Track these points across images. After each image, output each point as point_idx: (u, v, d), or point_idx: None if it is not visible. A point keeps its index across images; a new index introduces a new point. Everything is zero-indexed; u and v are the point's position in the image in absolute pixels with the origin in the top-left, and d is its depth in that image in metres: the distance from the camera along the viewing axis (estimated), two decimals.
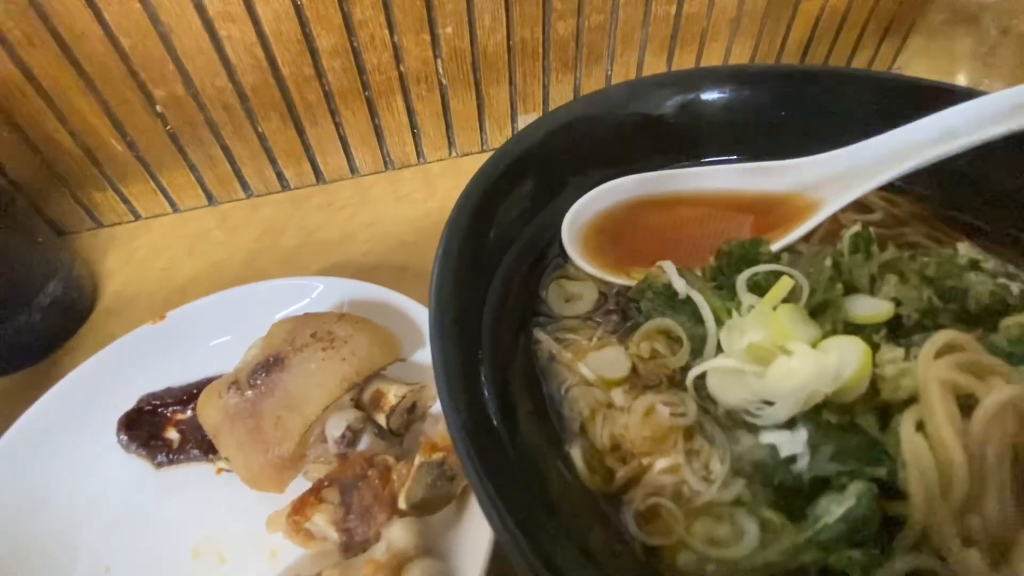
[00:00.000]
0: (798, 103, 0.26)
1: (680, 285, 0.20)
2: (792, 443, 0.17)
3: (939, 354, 0.17)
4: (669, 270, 0.21)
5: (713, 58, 0.49)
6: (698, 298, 0.20)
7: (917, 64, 0.47)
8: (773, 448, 0.17)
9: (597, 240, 0.24)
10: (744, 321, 0.19)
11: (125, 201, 0.44)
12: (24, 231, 0.34)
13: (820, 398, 0.17)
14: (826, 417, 0.17)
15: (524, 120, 0.48)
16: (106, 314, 0.37)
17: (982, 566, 0.16)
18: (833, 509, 0.16)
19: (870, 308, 0.19)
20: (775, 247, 0.23)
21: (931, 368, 0.16)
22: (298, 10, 0.37)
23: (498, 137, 0.49)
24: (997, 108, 0.22)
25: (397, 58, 0.41)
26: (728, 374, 0.18)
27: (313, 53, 0.39)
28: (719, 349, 0.19)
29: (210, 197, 0.45)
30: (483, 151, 0.49)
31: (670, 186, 0.26)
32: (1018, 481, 0.16)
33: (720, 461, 0.18)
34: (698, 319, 0.20)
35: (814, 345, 0.18)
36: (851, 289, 0.20)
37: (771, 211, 0.25)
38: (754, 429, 0.18)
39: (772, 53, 0.51)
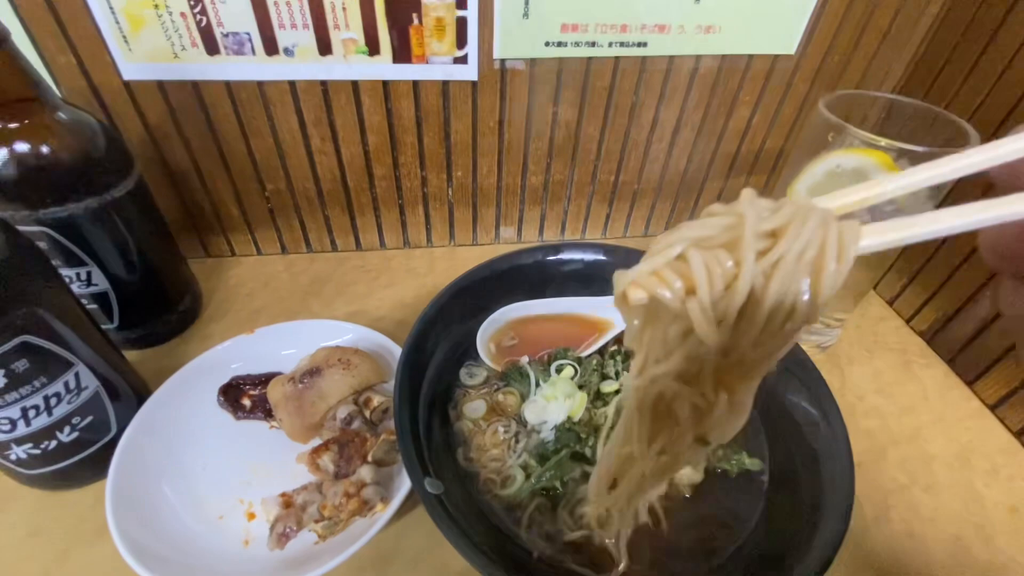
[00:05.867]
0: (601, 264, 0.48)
1: (527, 368, 0.40)
2: (549, 436, 0.37)
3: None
4: (524, 360, 0.41)
5: (642, 210, 0.70)
6: (530, 373, 0.40)
7: None
8: (542, 439, 0.37)
9: (498, 342, 0.44)
10: (544, 385, 0.39)
11: (228, 243, 0.65)
12: (178, 255, 0.55)
13: (564, 417, 0.37)
14: (566, 426, 0.37)
15: (504, 231, 0.69)
16: (207, 320, 0.58)
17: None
18: (553, 460, 0.35)
19: (608, 385, 0.39)
20: (588, 352, 0.43)
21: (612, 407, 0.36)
22: (365, 152, 0.59)
23: (484, 238, 0.69)
24: None
25: (423, 184, 0.62)
26: (534, 408, 0.38)
27: (370, 176, 0.61)
28: None
29: (283, 248, 0.66)
30: (473, 245, 0.70)
31: (540, 310, 0.46)
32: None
33: (522, 447, 0.37)
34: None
35: (570, 395, 0.38)
36: (607, 377, 0.40)
37: (594, 326, 0.45)
38: (540, 432, 0.38)
39: (687, 209, 0.71)
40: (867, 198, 0.19)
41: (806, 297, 0.18)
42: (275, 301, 0.60)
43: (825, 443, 0.35)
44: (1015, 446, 0.50)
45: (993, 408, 0.53)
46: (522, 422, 0.39)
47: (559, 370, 0.40)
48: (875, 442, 0.50)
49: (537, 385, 0.41)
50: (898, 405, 0.54)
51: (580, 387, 0.40)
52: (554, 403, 0.38)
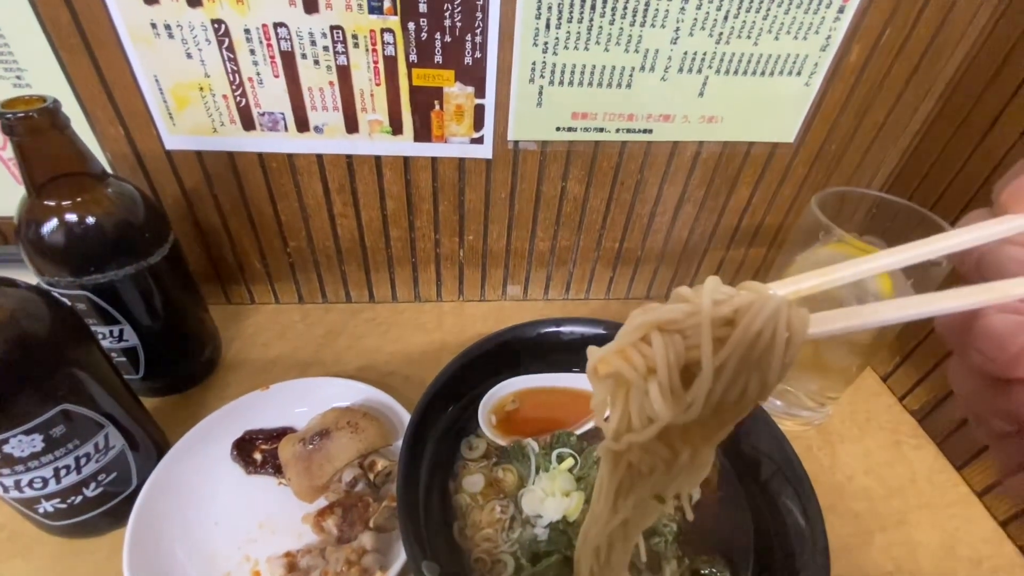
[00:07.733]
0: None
1: (529, 450, 0.43)
2: (542, 533, 0.38)
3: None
4: (528, 442, 0.43)
5: (645, 274, 0.73)
6: (532, 457, 0.42)
7: None
8: (535, 535, 0.39)
9: (499, 415, 0.47)
10: (544, 475, 0.41)
11: (248, 292, 0.68)
12: (203, 309, 0.58)
13: (560, 517, 0.38)
14: (560, 527, 0.38)
15: (511, 288, 0.72)
16: (225, 369, 0.61)
17: None
18: (544, 563, 0.37)
19: None
20: (584, 429, 0.45)
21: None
22: (383, 216, 0.62)
23: (492, 295, 0.72)
24: None
25: (436, 246, 0.66)
26: (532, 498, 0.40)
27: (387, 238, 0.64)
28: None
29: (300, 298, 0.70)
30: (481, 301, 0.73)
31: (542, 383, 0.48)
32: None
33: (516, 536, 0.39)
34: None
35: (568, 494, 0.40)
36: None
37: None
38: (534, 525, 0.39)
39: (688, 275, 0.74)
40: (822, 283, 0.20)
41: (756, 383, 0.19)
42: (290, 352, 0.63)
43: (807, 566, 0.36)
44: (1000, 535, 0.51)
45: (980, 495, 0.54)
46: (519, 507, 0.41)
47: (560, 458, 0.42)
48: (862, 526, 0.51)
49: (537, 472, 0.42)
50: (887, 487, 0.55)
51: (579, 479, 0.41)
52: (551, 499, 0.39)
